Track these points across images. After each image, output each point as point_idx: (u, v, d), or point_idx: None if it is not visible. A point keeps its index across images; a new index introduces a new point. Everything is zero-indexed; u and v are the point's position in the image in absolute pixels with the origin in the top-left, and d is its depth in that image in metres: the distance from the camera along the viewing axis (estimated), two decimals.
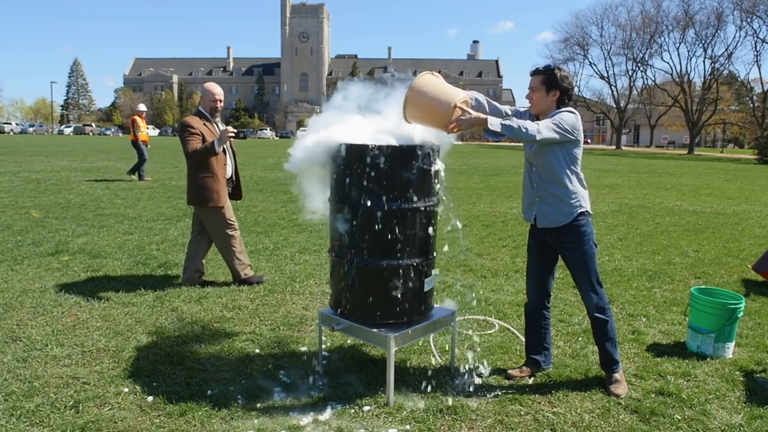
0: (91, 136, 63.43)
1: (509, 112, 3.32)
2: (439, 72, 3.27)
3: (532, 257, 3.44)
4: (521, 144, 3.17)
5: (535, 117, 3.22)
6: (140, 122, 14.21)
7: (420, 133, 3.23)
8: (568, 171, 3.12)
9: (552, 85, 3.11)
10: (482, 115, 2.94)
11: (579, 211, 3.16)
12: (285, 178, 11.67)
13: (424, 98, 3.00)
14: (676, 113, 62.11)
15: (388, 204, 2.98)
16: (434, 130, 3.20)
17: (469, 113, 2.95)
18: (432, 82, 3.04)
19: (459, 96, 3.01)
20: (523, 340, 3.89)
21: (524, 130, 2.91)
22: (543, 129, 2.95)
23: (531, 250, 3.44)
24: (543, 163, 3.14)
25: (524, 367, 3.45)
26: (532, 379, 3.38)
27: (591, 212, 3.28)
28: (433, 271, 3.28)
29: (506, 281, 5.57)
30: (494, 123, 2.90)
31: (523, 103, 3.40)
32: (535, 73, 3.18)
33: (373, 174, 2.96)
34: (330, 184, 3.20)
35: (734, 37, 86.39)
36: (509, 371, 3.43)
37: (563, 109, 3.10)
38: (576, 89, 70.76)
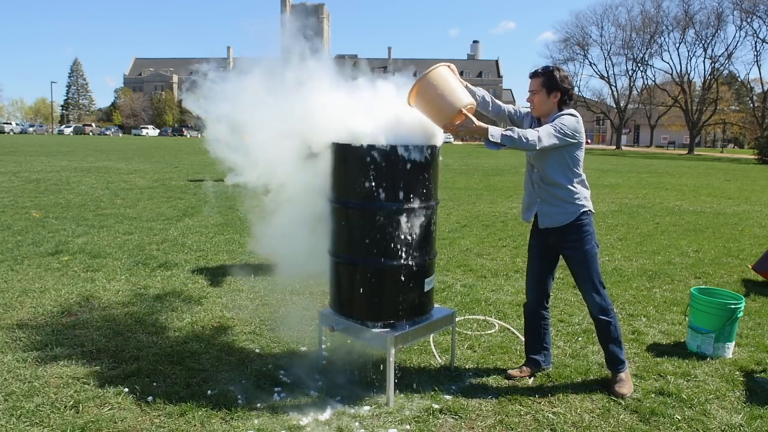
0: (91, 136, 63.40)
1: (512, 111, 3.32)
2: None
3: (532, 257, 3.43)
4: None
5: (537, 119, 3.21)
6: None
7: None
8: (569, 173, 3.12)
9: (552, 87, 3.09)
10: (483, 125, 2.92)
11: (582, 210, 3.15)
12: None
13: (433, 92, 2.96)
14: (676, 113, 62.08)
15: (388, 204, 2.98)
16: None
17: (472, 121, 2.93)
18: (445, 77, 2.99)
19: (465, 101, 2.98)
20: (523, 340, 3.89)
21: (524, 141, 2.90)
22: (544, 137, 2.94)
23: (532, 250, 3.43)
24: (545, 166, 3.13)
25: (524, 367, 3.44)
26: (532, 379, 3.38)
27: (593, 211, 3.28)
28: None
29: (506, 281, 5.57)
30: (495, 134, 2.88)
31: (523, 102, 3.40)
32: (534, 75, 3.15)
33: (373, 174, 2.96)
34: (329, 184, 3.20)
35: (734, 37, 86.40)
36: (509, 371, 3.43)
37: (564, 112, 3.08)
38: (576, 89, 70.81)
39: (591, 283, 3.20)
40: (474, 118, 2.97)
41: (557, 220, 3.17)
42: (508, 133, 2.90)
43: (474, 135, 2.98)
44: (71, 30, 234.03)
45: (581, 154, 3.15)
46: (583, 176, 3.20)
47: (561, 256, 3.35)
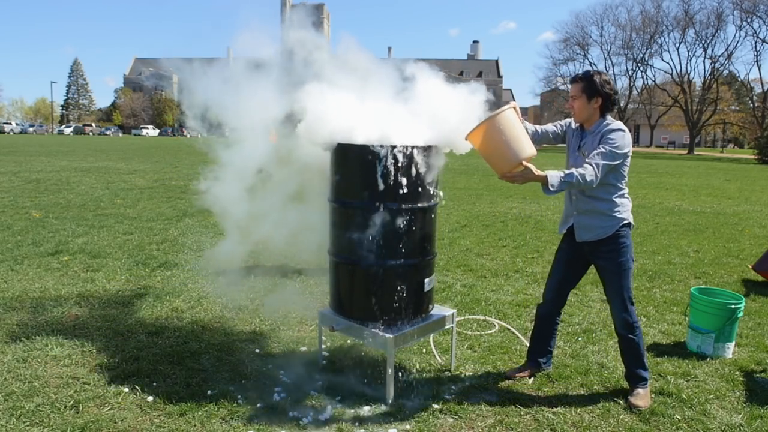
0: (91, 136, 63.37)
1: (553, 130, 3.26)
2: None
3: (560, 260, 3.34)
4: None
5: (579, 126, 3.13)
6: None
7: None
8: (612, 187, 3.03)
9: (593, 92, 2.99)
10: (542, 174, 2.83)
11: (622, 223, 3.07)
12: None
13: (498, 137, 2.86)
14: (676, 113, 62.06)
15: (388, 204, 2.98)
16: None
17: (531, 171, 2.85)
18: (511, 123, 2.89)
19: (528, 152, 2.88)
20: (524, 340, 3.89)
21: (582, 181, 2.84)
22: (600, 170, 2.87)
23: (561, 253, 3.34)
24: None
25: (524, 368, 3.44)
26: (532, 379, 3.38)
27: (633, 225, 3.18)
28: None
29: (506, 281, 5.57)
30: (554, 182, 2.82)
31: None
32: (574, 80, 3.07)
33: (373, 174, 2.96)
34: (328, 185, 3.20)
35: (734, 37, 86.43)
36: (509, 371, 3.42)
37: (612, 127, 2.98)
38: None
39: (620, 297, 3.12)
40: (533, 167, 2.87)
41: (596, 233, 3.08)
42: (567, 179, 2.84)
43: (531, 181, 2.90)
44: (71, 30, 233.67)
45: (626, 168, 3.05)
46: (626, 189, 3.11)
47: (589, 269, 3.29)
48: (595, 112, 3.04)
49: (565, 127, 3.26)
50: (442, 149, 3.17)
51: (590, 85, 3.00)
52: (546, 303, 3.41)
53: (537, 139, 3.23)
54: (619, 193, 3.07)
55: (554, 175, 2.84)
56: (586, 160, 2.93)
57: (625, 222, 3.09)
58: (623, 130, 2.98)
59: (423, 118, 3.17)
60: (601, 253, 3.12)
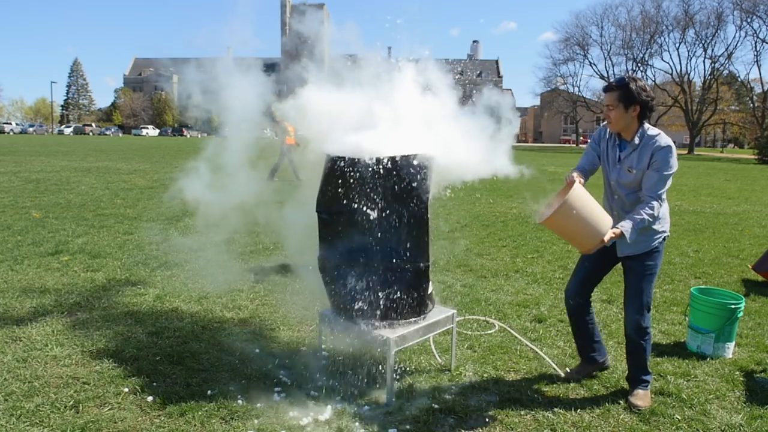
0: (91, 136, 63.33)
1: (589, 160, 3.19)
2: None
3: (587, 258, 3.27)
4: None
5: (617, 135, 3.04)
6: None
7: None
8: None
9: (630, 101, 2.87)
10: (619, 232, 2.82)
11: (662, 237, 3.05)
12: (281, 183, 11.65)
13: (575, 219, 2.77)
14: (676, 113, 62.08)
15: (387, 208, 2.98)
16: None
17: (611, 237, 2.81)
18: (583, 200, 2.80)
19: (606, 226, 2.81)
20: (523, 340, 3.90)
21: (652, 219, 2.87)
22: (662, 196, 2.87)
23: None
24: (629, 194, 3.00)
25: (581, 367, 3.41)
26: (535, 382, 3.38)
27: (669, 234, 3.14)
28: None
29: (506, 281, 5.57)
30: (628, 235, 2.82)
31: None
32: (609, 89, 2.94)
33: (372, 182, 2.96)
34: (331, 192, 3.20)
35: (734, 37, 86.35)
36: (567, 371, 3.41)
37: (661, 143, 2.89)
38: (576, 89, 69.77)
39: (639, 299, 3.08)
40: (610, 233, 2.82)
41: (638, 248, 3.02)
42: (639, 225, 2.85)
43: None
44: (71, 30, 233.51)
45: (671, 180, 2.96)
46: (665, 197, 3.03)
47: (614, 267, 3.27)
48: (633, 120, 2.92)
49: (598, 140, 3.16)
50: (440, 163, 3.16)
51: (627, 94, 2.87)
52: (571, 298, 3.36)
53: (588, 177, 3.17)
54: (661, 204, 3.01)
55: (628, 229, 2.84)
56: (646, 194, 2.90)
57: (666, 235, 3.07)
58: (671, 146, 2.91)
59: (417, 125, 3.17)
60: (632, 255, 3.09)
